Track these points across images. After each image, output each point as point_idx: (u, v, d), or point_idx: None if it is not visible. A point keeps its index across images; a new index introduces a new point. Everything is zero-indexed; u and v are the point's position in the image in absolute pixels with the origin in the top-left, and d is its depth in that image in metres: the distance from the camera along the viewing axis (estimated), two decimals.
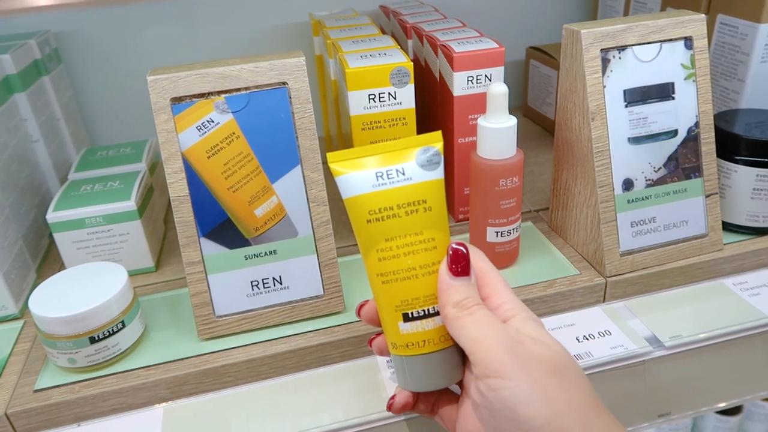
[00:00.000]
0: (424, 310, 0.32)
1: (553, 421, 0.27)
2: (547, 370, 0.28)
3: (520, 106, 0.78)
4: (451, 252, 0.32)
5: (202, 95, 0.39)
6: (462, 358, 0.33)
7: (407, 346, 0.33)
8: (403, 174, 0.33)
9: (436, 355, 0.32)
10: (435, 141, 0.34)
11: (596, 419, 0.28)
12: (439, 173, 0.33)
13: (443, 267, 0.32)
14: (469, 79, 0.47)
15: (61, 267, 0.52)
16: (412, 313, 0.32)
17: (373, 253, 0.32)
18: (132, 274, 0.49)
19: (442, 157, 0.34)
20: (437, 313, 0.32)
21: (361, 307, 0.35)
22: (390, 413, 0.36)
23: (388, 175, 0.33)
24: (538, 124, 0.74)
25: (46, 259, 0.53)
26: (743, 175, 0.46)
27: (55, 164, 0.57)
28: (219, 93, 0.39)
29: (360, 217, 0.33)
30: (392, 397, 0.34)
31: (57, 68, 0.62)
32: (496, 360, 0.28)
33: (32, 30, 0.61)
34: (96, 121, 0.70)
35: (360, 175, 0.33)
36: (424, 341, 0.32)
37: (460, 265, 0.31)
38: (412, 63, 0.44)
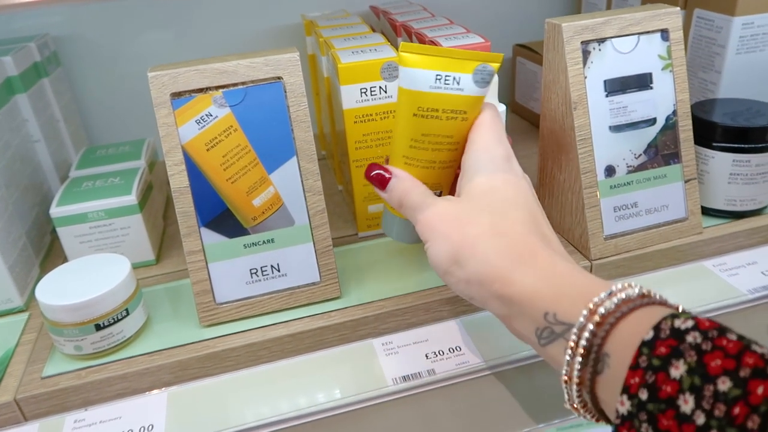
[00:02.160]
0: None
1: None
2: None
3: (507, 102, 0.80)
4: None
5: (200, 90, 0.41)
6: None
7: None
8: (458, 84, 0.37)
9: None
10: (494, 60, 0.38)
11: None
12: (485, 90, 0.38)
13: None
14: None
15: (63, 262, 0.53)
16: None
17: (407, 140, 0.38)
18: (134, 266, 0.50)
19: (496, 77, 0.39)
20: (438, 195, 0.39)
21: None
22: (385, 393, 0.38)
23: (445, 80, 0.37)
24: (525, 119, 0.76)
25: (49, 255, 0.54)
26: (720, 161, 0.48)
27: (55, 164, 0.58)
28: (217, 88, 0.41)
29: (409, 108, 0.38)
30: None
31: (56, 70, 0.63)
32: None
33: (31, 34, 0.62)
34: (94, 122, 0.71)
35: (423, 73, 0.37)
36: None
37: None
38: None
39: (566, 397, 0.29)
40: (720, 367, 0.23)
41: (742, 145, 0.47)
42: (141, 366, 0.40)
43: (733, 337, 0.24)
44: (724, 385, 0.22)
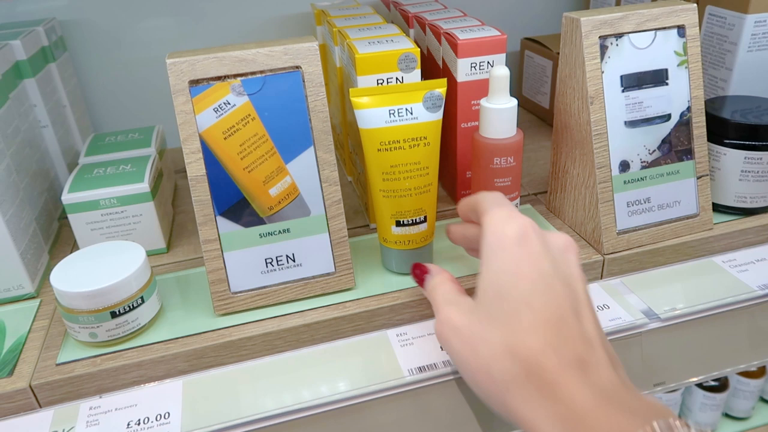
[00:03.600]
0: (412, 219, 0.43)
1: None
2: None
3: (514, 96, 0.80)
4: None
5: (219, 78, 0.40)
6: (431, 252, 0.46)
7: (395, 242, 0.44)
8: (411, 113, 0.41)
9: (415, 251, 0.44)
10: (440, 86, 0.42)
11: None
12: (439, 114, 0.42)
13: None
14: (473, 65, 0.49)
15: (73, 249, 0.53)
16: (403, 221, 0.43)
17: (379, 174, 0.42)
18: None
19: (444, 100, 0.42)
20: (420, 222, 0.43)
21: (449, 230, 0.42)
22: (402, 384, 0.38)
23: (398, 113, 0.41)
24: (532, 113, 0.76)
25: (57, 242, 0.54)
26: (732, 158, 0.48)
27: (62, 150, 0.58)
28: (235, 76, 0.40)
29: (372, 145, 0.41)
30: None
31: (63, 55, 0.62)
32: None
33: (36, 18, 0.62)
34: (99, 109, 0.70)
35: (376, 111, 0.41)
36: (409, 240, 0.44)
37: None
38: (419, 49, 0.46)
39: None
40: None
41: (754, 143, 0.47)
42: (156, 354, 0.40)
43: None
44: None
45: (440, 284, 0.37)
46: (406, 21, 0.59)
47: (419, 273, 0.40)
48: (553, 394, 0.27)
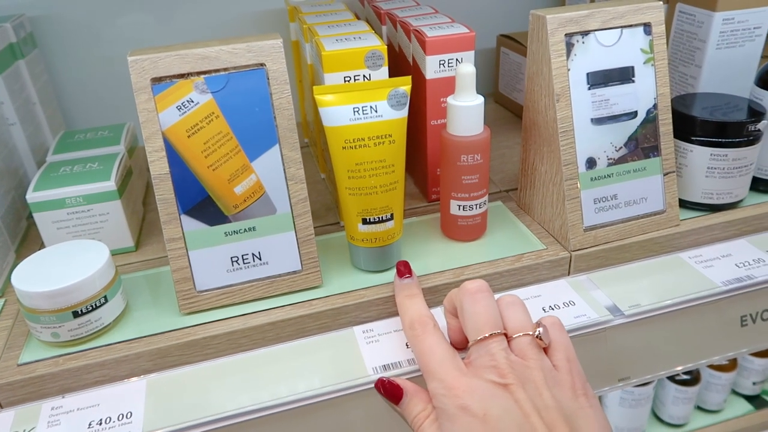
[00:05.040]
0: (378, 217, 0.43)
1: None
2: None
3: (491, 92, 0.80)
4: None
5: (182, 76, 0.40)
6: (399, 249, 0.46)
7: (362, 240, 0.44)
8: (376, 111, 0.41)
9: (382, 248, 0.44)
10: (404, 84, 0.41)
11: None
12: (404, 112, 0.42)
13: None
14: (441, 62, 0.49)
15: (40, 248, 0.52)
16: (369, 219, 0.43)
17: (344, 172, 0.42)
18: (112, 253, 0.49)
19: (409, 97, 0.41)
20: (387, 220, 0.43)
21: None
22: (365, 382, 0.38)
23: (363, 110, 0.40)
24: (508, 110, 0.76)
25: (25, 241, 0.53)
26: (698, 155, 0.49)
27: (32, 148, 0.57)
28: (198, 74, 0.40)
29: (337, 143, 0.41)
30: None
31: (32, 52, 0.62)
32: None
33: (6, 14, 0.61)
34: (72, 106, 0.70)
35: (340, 109, 0.40)
36: (376, 238, 0.44)
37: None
38: (386, 46, 0.46)
39: None
40: None
41: (720, 140, 0.48)
42: (119, 353, 0.39)
43: None
44: None
45: (427, 418, 0.34)
46: (379, 18, 0.59)
47: (392, 389, 0.36)
48: None
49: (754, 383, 0.86)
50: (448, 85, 0.50)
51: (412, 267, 0.42)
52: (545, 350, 0.35)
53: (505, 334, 0.35)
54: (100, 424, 0.37)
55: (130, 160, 0.54)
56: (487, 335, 0.34)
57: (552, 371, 0.34)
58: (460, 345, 0.39)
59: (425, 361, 0.35)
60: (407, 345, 0.41)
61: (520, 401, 0.32)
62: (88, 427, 0.36)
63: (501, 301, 0.37)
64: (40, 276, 0.39)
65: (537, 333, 0.35)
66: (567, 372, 0.34)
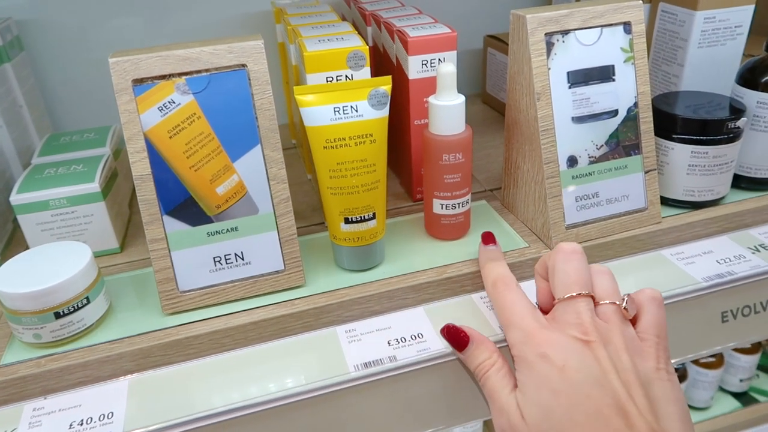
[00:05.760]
0: (360, 216, 0.43)
1: None
2: None
3: (479, 93, 0.81)
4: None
5: (163, 77, 0.40)
6: (382, 248, 0.46)
7: (345, 239, 0.44)
8: (356, 111, 0.41)
9: (364, 247, 0.44)
10: (384, 83, 0.42)
11: None
12: (385, 112, 0.42)
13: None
14: (424, 62, 0.49)
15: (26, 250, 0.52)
16: (351, 218, 0.43)
17: (326, 171, 0.42)
18: (97, 255, 0.50)
19: (389, 97, 0.42)
20: (369, 219, 0.43)
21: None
22: (346, 380, 0.38)
23: (344, 110, 0.41)
24: (496, 110, 0.77)
25: (11, 244, 0.53)
26: (679, 153, 0.49)
27: (18, 150, 0.57)
28: (180, 75, 0.40)
29: (318, 143, 0.41)
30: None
31: (19, 55, 0.62)
32: None
33: None
34: (60, 109, 0.70)
35: (321, 109, 0.41)
36: (358, 237, 0.44)
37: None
38: (368, 47, 0.46)
39: None
40: None
41: (701, 137, 0.48)
42: (101, 354, 0.40)
43: None
44: None
45: (495, 371, 0.35)
46: (364, 19, 0.59)
47: (457, 336, 0.37)
48: None
49: (741, 380, 0.86)
50: (431, 85, 0.50)
51: (495, 238, 0.44)
52: (636, 322, 0.35)
53: (593, 299, 0.35)
54: (81, 424, 0.37)
55: (115, 162, 0.55)
56: (575, 294, 0.34)
57: (635, 340, 0.34)
58: (546, 308, 0.38)
59: (506, 314, 0.36)
60: (388, 343, 0.41)
61: (600, 358, 0.32)
62: (69, 428, 0.37)
63: (592, 268, 0.37)
64: (22, 277, 0.39)
65: (624, 304, 0.35)
66: (653, 345, 0.34)
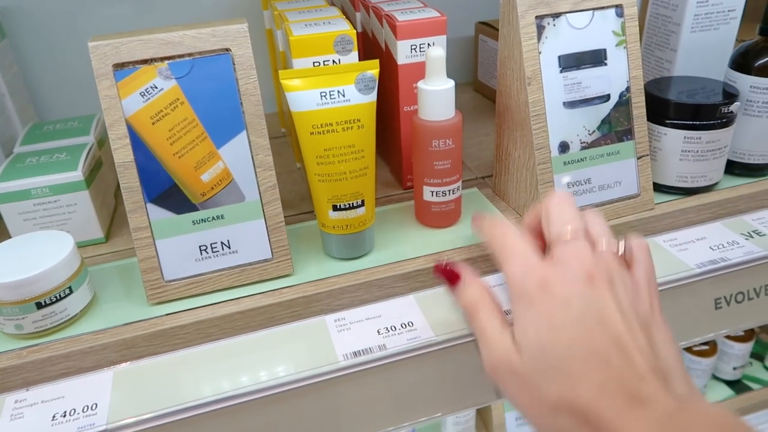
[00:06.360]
0: (349, 203, 0.42)
1: None
2: None
3: (471, 81, 0.80)
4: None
5: (145, 61, 0.39)
6: (372, 236, 0.45)
7: (333, 227, 0.43)
8: (343, 96, 0.40)
9: (353, 235, 0.44)
10: (372, 68, 0.41)
11: None
12: (372, 97, 0.41)
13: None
14: (413, 47, 0.48)
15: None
16: (339, 205, 0.42)
17: (313, 158, 0.41)
18: (82, 245, 0.49)
19: (377, 82, 0.41)
20: (358, 206, 0.43)
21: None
22: (335, 369, 0.37)
23: (330, 95, 0.40)
24: (488, 97, 0.76)
25: None
26: (672, 138, 0.48)
27: (1, 140, 0.56)
28: (162, 59, 0.39)
29: (305, 129, 0.40)
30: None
31: (1, 43, 0.61)
32: None
33: None
34: (44, 98, 0.69)
35: (307, 94, 0.40)
36: (347, 225, 0.43)
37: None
38: (355, 31, 0.45)
39: None
40: None
41: (693, 122, 0.47)
42: (85, 345, 0.39)
43: None
44: None
45: (485, 307, 0.34)
46: (353, 4, 0.58)
47: (449, 273, 0.36)
48: None
49: (734, 368, 0.86)
50: (420, 71, 0.49)
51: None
52: (629, 269, 0.34)
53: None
54: (65, 416, 0.36)
55: (100, 151, 0.54)
56: (574, 237, 0.33)
57: (632, 284, 0.33)
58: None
59: (507, 249, 0.33)
60: (378, 332, 0.41)
61: (604, 296, 0.31)
62: (52, 420, 0.36)
63: (585, 214, 0.36)
64: (2, 267, 0.38)
65: (620, 251, 0.34)
66: (646, 288, 0.33)
